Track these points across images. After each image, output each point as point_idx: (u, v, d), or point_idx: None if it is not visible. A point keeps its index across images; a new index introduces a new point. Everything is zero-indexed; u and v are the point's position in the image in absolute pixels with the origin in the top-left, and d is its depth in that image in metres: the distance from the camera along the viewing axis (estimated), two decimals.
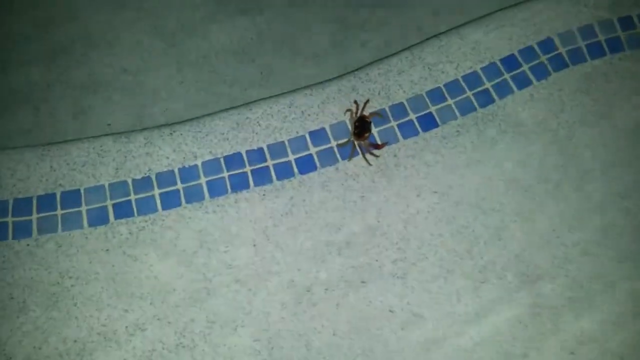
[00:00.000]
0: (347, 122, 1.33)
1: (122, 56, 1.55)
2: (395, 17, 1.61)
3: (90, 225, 1.24)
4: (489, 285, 1.23)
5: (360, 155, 1.30)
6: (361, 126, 1.29)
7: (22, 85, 1.51)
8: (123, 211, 1.25)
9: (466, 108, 1.36)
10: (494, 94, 1.38)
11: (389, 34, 1.57)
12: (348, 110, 1.32)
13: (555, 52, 1.42)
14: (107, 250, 1.22)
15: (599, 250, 1.26)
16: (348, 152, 1.30)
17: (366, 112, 1.31)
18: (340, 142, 1.31)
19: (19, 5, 1.60)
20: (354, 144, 1.30)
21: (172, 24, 1.60)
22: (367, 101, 1.31)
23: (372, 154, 1.29)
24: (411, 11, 1.62)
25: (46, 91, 1.50)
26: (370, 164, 1.29)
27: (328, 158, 1.31)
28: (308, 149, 1.32)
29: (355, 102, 1.31)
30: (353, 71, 1.40)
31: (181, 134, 1.32)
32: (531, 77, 1.39)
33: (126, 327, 1.18)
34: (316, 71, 1.47)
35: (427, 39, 1.43)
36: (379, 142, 1.30)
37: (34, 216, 1.24)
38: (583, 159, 1.33)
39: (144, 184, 1.28)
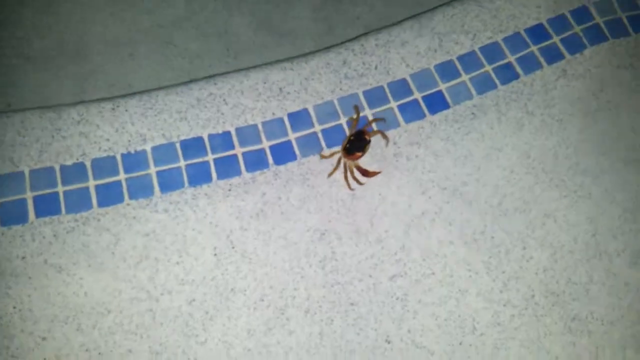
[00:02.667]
0: (345, 128, 1.02)
1: (61, 19, 1.21)
2: None
3: (4, 224, 0.93)
4: (511, 307, 0.93)
5: (343, 177, 0.98)
6: (356, 142, 0.98)
7: None
8: (47, 207, 0.94)
9: (484, 85, 1.06)
10: (518, 68, 1.07)
11: (387, 6, 1.26)
12: (351, 118, 1.01)
13: (592, 23, 1.12)
14: (24, 257, 0.91)
15: None
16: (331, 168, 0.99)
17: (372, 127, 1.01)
18: (325, 153, 0.99)
19: None
20: (339, 160, 0.99)
21: None
22: (380, 120, 1.01)
23: (356, 179, 0.98)
24: None
25: None
26: (351, 189, 0.98)
27: (311, 145, 1.00)
28: (286, 134, 1.01)
29: (357, 107, 1.01)
30: (345, 42, 1.09)
31: (126, 110, 1.00)
32: (563, 50, 1.09)
33: (44, 359, 0.89)
34: (294, 50, 1.15)
35: (437, 6, 1.12)
36: (369, 170, 0.98)
37: None
38: (628, 147, 1.03)
39: (75, 172, 0.96)
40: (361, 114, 1.00)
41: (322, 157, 0.99)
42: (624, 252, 0.96)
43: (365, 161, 0.98)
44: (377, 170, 0.98)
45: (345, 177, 0.97)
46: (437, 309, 0.92)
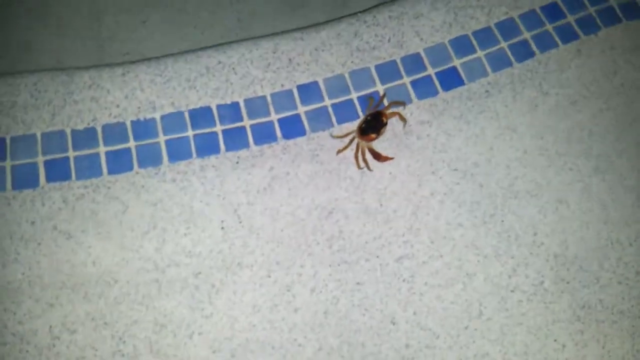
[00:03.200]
0: (356, 103, 0.76)
1: None
2: None
3: (14, 187, 0.71)
4: (519, 293, 0.70)
5: (353, 154, 0.73)
6: (372, 123, 0.73)
7: None
8: (58, 172, 0.71)
9: (500, 62, 0.79)
10: (534, 46, 0.80)
11: None
12: (369, 99, 0.76)
13: (605, 4, 0.84)
14: (34, 222, 0.69)
15: None
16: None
17: (390, 110, 0.75)
18: (337, 133, 0.74)
19: None
20: (352, 140, 0.74)
21: None
22: (400, 103, 0.75)
23: (366, 161, 0.73)
24: None
25: None
26: (360, 168, 0.73)
27: (321, 120, 0.76)
28: (295, 107, 0.76)
29: (372, 98, 0.75)
30: (356, 13, 0.82)
31: (136, 76, 0.76)
32: (578, 30, 0.82)
33: (50, 326, 0.66)
34: (305, 20, 0.85)
35: None
36: (381, 154, 0.73)
37: None
38: None
39: (86, 137, 0.73)
40: (377, 105, 0.75)
41: (335, 136, 0.74)
42: (636, 240, 0.72)
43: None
44: (389, 156, 0.73)
45: (356, 156, 0.73)
46: (443, 292, 0.70)
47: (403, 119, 0.75)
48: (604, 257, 0.72)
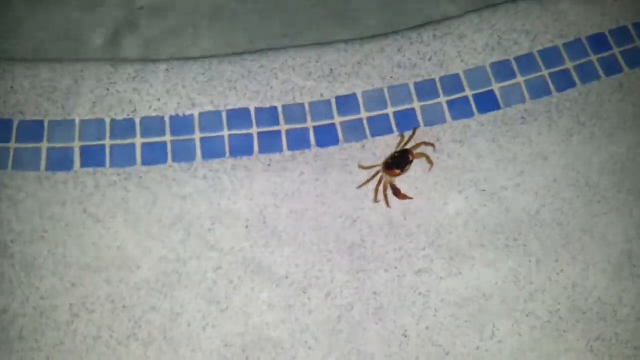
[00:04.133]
0: (392, 119, 0.80)
1: None
2: None
3: (48, 168, 0.76)
4: (534, 319, 0.72)
5: (374, 187, 0.76)
6: (399, 160, 0.76)
7: None
8: (93, 158, 0.77)
9: (539, 90, 0.82)
10: (575, 76, 0.83)
11: (452, 3, 0.96)
12: (400, 134, 0.79)
13: None
14: (64, 204, 0.75)
15: None
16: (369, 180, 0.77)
17: (419, 150, 0.78)
18: (365, 165, 0.77)
19: None
20: (377, 173, 0.77)
21: None
22: (431, 144, 0.78)
23: (386, 196, 0.76)
24: None
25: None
26: (377, 201, 0.76)
27: (355, 132, 0.80)
28: (332, 117, 0.80)
29: (414, 130, 0.78)
30: (402, 30, 0.86)
31: (179, 74, 0.81)
32: (622, 63, 0.85)
33: (70, 304, 0.71)
34: (351, 34, 0.89)
35: (501, 3, 0.88)
36: (401, 192, 0.76)
37: None
38: None
39: (124, 127, 0.78)
40: (407, 144, 0.78)
41: (361, 167, 0.77)
42: None
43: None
44: (409, 196, 0.76)
45: (377, 189, 0.76)
46: (458, 310, 0.72)
47: (430, 162, 0.78)
48: (623, 291, 0.74)
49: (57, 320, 0.71)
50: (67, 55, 0.81)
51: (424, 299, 0.73)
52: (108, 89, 0.80)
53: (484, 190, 0.77)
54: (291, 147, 0.78)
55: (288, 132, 0.79)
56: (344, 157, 0.78)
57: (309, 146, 0.79)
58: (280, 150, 0.78)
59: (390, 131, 0.80)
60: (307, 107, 0.80)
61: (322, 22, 0.93)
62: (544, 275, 0.74)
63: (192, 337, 0.71)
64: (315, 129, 0.79)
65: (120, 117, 0.79)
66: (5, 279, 0.72)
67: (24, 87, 0.79)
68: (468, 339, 0.72)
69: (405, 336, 0.72)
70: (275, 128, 0.79)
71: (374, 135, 0.79)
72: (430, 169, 0.78)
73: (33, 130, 0.77)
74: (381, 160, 0.78)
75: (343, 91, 0.81)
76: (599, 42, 0.86)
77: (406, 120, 0.80)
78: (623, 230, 0.77)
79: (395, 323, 0.72)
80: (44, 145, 0.77)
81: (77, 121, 0.78)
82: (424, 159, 0.77)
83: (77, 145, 0.77)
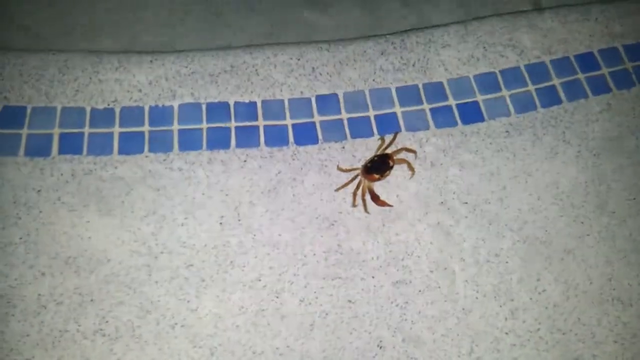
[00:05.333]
0: (373, 121, 0.80)
1: None
2: None
3: (27, 154, 0.75)
4: (513, 337, 0.70)
5: (353, 191, 0.75)
6: (379, 164, 0.75)
7: None
8: (71, 145, 0.76)
9: (524, 104, 0.82)
10: (562, 93, 0.83)
11: (436, 13, 0.99)
12: (381, 137, 0.79)
13: None
14: (39, 190, 0.73)
15: None
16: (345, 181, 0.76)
17: (399, 155, 0.77)
18: (344, 167, 0.76)
19: None
20: (356, 176, 0.76)
21: None
22: (412, 151, 0.77)
23: (364, 201, 0.74)
24: None
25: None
26: (355, 205, 0.75)
27: (335, 132, 0.79)
28: (312, 116, 0.79)
29: (383, 138, 0.78)
30: (386, 34, 0.86)
31: (163, 65, 0.81)
32: (611, 83, 0.85)
33: (39, 295, 0.69)
34: (335, 34, 0.90)
35: (490, 15, 0.88)
36: (380, 198, 0.74)
37: None
38: None
39: (104, 116, 0.77)
40: (387, 148, 0.77)
41: (340, 169, 0.76)
42: (638, 302, 0.73)
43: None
44: (388, 203, 0.74)
45: (355, 193, 0.75)
46: (436, 324, 0.70)
47: (412, 169, 0.77)
48: (603, 313, 0.73)
49: (23, 311, 0.69)
50: (54, 45, 0.81)
51: (401, 310, 0.71)
52: (91, 78, 0.79)
53: (466, 203, 0.76)
54: (269, 143, 0.78)
55: (266, 127, 0.78)
56: (322, 157, 0.77)
57: (287, 143, 0.78)
58: (258, 145, 0.77)
59: (371, 134, 0.79)
60: (286, 103, 0.80)
61: (305, 24, 0.93)
62: (524, 294, 0.73)
63: (160, 336, 0.69)
64: (294, 126, 0.79)
65: (100, 106, 0.78)
66: None
67: (12, 75, 0.79)
68: (445, 353, 0.70)
69: (380, 347, 0.70)
70: (254, 123, 0.78)
71: (354, 136, 0.79)
72: (411, 177, 0.77)
73: (16, 115, 0.76)
74: (360, 163, 0.77)
75: (324, 90, 0.81)
76: (587, 61, 0.86)
77: (387, 124, 0.80)
78: (605, 253, 0.76)
79: (370, 334, 0.70)
80: (25, 131, 0.76)
81: (58, 108, 0.77)
82: (404, 165, 0.76)
83: (56, 132, 0.76)
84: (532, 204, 0.77)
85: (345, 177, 0.76)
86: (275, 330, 0.70)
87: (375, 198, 0.75)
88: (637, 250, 0.75)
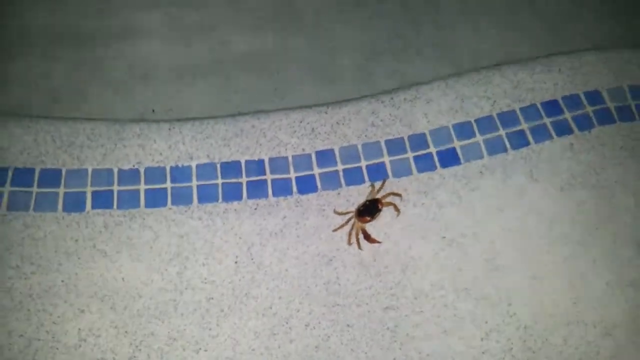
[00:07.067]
0: (364, 172, 0.93)
1: (135, 48, 1.16)
2: (433, 49, 1.19)
3: (64, 210, 0.89)
4: (489, 356, 0.83)
5: (348, 232, 0.88)
6: (370, 208, 0.89)
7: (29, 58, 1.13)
8: (102, 201, 0.89)
9: (496, 148, 0.95)
10: (530, 136, 0.96)
11: (422, 66, 1.15)
12: (372, 184, 0.92)
13: (602, 106, 0.99)
14: (77, 240, 0.87)
15: (625, 334, 0.85)
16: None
17: (387, 199, 0.90)
18: (340, 210, 0.90)
19: None
20: (350, 218, 0.89)
21: (192, 22, 1.21)
22: (398, 195, 0.90)
23: (358, 240, 0.88)
24: (451, 47, 1.20)
25: (50, 67, 1.13)
26: (350, 244, 0.88)
27: (331, 181, 0.92)
28: (312, 169, 0.93)
29: (384, 181, 0.91)
30: (377, 94, 1.00)
31: (180, 132, 0.95)
32: (573, 126, 0.97)
33: (79, 329, 0.83)
34: (335, 96, 1.03)
35: (466, 72, 1.02)
36: (371, 236, 0.88)
37: (7, 189, 0.89)
38: (619, 225, 0.91)
39: (130, 176, 0.91)
40: (377, 194, 0.90)
41: (336, 213, 0.90)
42: (600, 323, 0.85)
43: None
44: (378, 240, 0.88)
45: (350, 234, 0.89)
46: (421, 344, 0.83)
47: (397, 210, 0.90)
48: (569, 334, 0.85)
49: (66, 344, 0.82)
50: (81, 114, 0.96)
51: (392, 333, 0.84)
52: (116, 144, 0.94)
53: (444, 237, 0.89)
54: (275, 194, 0.91)
55: (273, 180, 0.92)
56: (321, 203, 0.91)
57: (291, 193, 0.91)
58: (266, 196, 0.91)
59: (363, 181, 0.92)
60: (290, 159, 0.93)
61: (306, 86, 1.09)
62: (498, 317, 0.85)
63: (186, 359, 0.82)
64: (297, 178, 0.92)
65: (126, 167, 0.92)
66: (23, 307, 0.84)
67: (46, 141, 0.93)
68: None
69: None
70: (262, 177, 0.92)
71: (348, 184, 0.92)
72: (397, 216, 0.90)
73: (53, 177, 0.90)
74: (354, 207, 0.90)
75: (322, 147, 0.95)
76: (552, 107, 0.99)
77: (377, 172, 0.93)
78: (569, 279, 0.88)
79: (366, 354, 0.83)
80: (61, 190, 0.90)
81: (89, 170, 0.91)
82: (391, 208, 0.90)
83: (89, 190, 0.90)
84: (504, 236, 0.90)
85: (341, 219, 0.90)
86: (285, 352, 0.83)
87: (368, 237, 0.88)
88: (600, 275, 0.88)
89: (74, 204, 0.89)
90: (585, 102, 1.00)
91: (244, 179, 0.92)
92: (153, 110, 1.07)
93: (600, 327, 0.85)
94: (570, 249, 0.89)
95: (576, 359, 0.83)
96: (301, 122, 0.96)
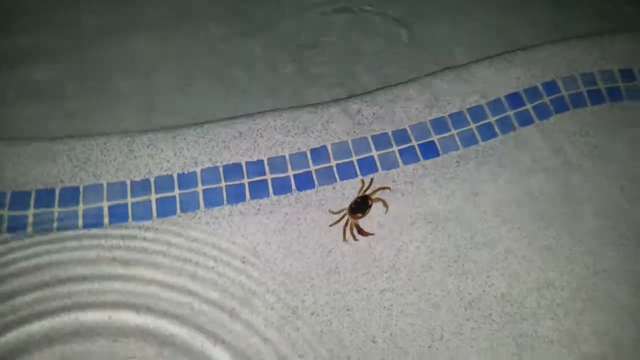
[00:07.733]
0: (356, 165, 1.04)
1: (134, 57, 1.24)
2: (409, 50, 1.29)
3: (84, 227, 0.96)
4: (472, 322, 0.95)
5: (342, 227, 0.98)
6: (360, 204, 0.99)
7: (36, 78, 1.19)
8: (118, 215, 0.97)
9: (468, 140, 1.07)
10: (496, 128, 1.09)
11: (399, 65, 1.25)
12: (361, 180, 1.02)
13: (558, 95, 1.13)
14: (98, 253, 0.94)
15: (589, 294, 0.97)
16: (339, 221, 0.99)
17: (376, 195, 1.00)
18: (334, 210, 0.99)
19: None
20: (344, 215, 0.99)
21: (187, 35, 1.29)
22: (386, 188, 1.00)
23: (352, 234, 0.98)
24: (426, 47, 1.29)
25: (59, 87, 1.19)
26: (345, 240, 0.99)
27: (326, 177, 1.03)
28: (308, 166, 1.03)
29: (373, 178, 1.02)
30: (360, 94, 1.12)
31: (184, 138, 1.03)
32: (534, 115, 1.10)
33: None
34: (322, 93, 1.16)
35: (438, 71, 1.14)
36: (364, 230, 0.99)
37: (31, 211, 0.96)
38: (576, 201, 1.04)
39: (141, 187, 0.99)
40: (366, 190, 1.01)
41: (331, 212, 1.00)
42: (568, 286, 0.98)
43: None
44: (370, 232, 0.99)
45: (344, 229, 0.99)
46: (414, 319, 0.94)
47: (386, 205, 1.01)
48: (541, 297, 0.97)
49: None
50: (93, 130, 1.02)
51: (388, 311, 0.95)
52: (127, 156, 1.01)
53: (430, 222, 1.01)
54: (276, 192, 1.01)
55: (273, 180, 1.01)
56: (319, 198, 1.01)
57: (290, 191, 1.01)
58: (268, 195, 1.00)
59: (355, 175, 1.03)
60: (287, 158, 1.03)
61: (297, 87, 1.19)
62: (478, 288, 0.97)
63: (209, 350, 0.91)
64: (295, 176, 1.02)
65: (138, 178, 1.00)
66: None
67: (63, 160, 1.00)
68: (422, 340, 0.94)
69: (374, 342, 0.93)
70: (262, 177, 1.02)
71: (342, 179, 1.03)
72: (386, 212, 1.01)
73: (72, 195, 0.97)
74: (348, 201, 1.00)
75: (316, 144, 1.05)
76: (515, 99, 1.11)
77: (367, 166, 1.04)
78: (538, 250, 1.00)
79: (365, 332, 0.94)
80: (80, 207, 0.97)
81: (104, 185, 0.99)
82: (380, 203, 1.00)
83: (105, 204, 0.98)
84: (480, 217, 1.02)
85: (337, 216, 1.00)
86: (294, 339, 0.93)
87: (360, 231, 0.99)
88: (561, 245, 1.01)
89: (93, 220, 0.96)
90: (543, 92, 1.13)
91: (245, 180, 1.01)
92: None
93: (568, 289, 0.98)
94: (536, 225, 1.02)
95: (548, 318, 0.96)
96: (294, 121, 1.06)
